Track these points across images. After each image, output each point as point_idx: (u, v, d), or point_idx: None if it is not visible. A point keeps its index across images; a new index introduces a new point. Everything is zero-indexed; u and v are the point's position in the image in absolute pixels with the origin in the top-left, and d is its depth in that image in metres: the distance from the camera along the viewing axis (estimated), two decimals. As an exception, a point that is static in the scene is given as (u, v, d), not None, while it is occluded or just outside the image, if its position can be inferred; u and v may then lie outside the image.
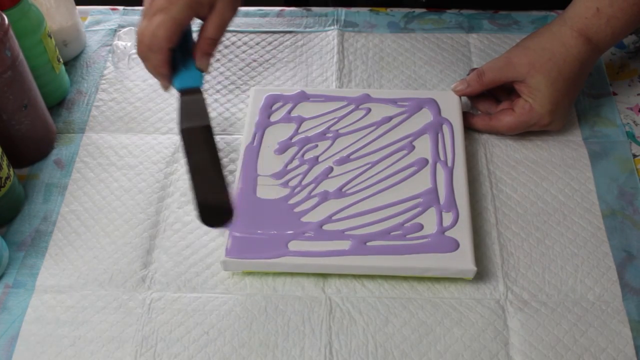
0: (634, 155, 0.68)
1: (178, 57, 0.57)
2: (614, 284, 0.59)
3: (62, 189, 0.67)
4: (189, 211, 0.65)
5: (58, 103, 0.75)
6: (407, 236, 0.59)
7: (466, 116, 0.69)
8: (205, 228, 0.64)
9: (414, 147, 0.66)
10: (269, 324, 0.58)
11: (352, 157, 0.66)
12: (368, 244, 0.59)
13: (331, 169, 0.65)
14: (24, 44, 0.65)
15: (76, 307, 0.59)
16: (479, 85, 0.69)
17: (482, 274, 0.60)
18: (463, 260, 0.58)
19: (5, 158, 0.62)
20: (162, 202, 0.66)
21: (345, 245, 0.59)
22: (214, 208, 0.53)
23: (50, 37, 0.70)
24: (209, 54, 0.58)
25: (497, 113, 0.69)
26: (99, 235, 0.64)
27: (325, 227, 0.60)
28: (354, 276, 0.60)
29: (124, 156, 0.70)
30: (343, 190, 0.63)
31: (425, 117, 0.68)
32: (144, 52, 0.56)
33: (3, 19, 0.60)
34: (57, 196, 0.67)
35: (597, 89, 0.74)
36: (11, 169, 0.63)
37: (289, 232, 0.60)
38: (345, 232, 0.60)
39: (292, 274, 0.60)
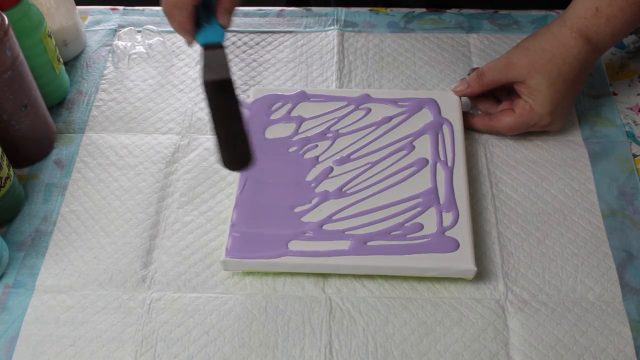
0: (634, 155, 0.68)
1: (201, 15, 0.60)
2: (614, 284, 0.59)
3: (62, 189, 0.67)
4: (189, 211, 0.65)
5: (58, 103, 0.75)
6: (407, 236, 0.59)
7: (466, 116, 0.69)
8: (205, 228, 0.64)
9: (414, 147, 0.66)
10: (269, 324, 0.58)
11: (352, 157, 0.66)
12: (368, 243, 0.59)
13: (331, 169, 0.65)
14: (24, 44, 0.65)
15: (76, 307, 0.59)
16: (479, 86, 0.69)
17: (482, 274, 0.60)
18: (463, 260, 0.58)
19: (5, 158, 0.62)
20: (162, 202, 0.66)
21: (345, 245, 0.59)
22: (236, 154, 0.55)
23: (50, 37, 0.70)
24: (230, 11, 0.60)
25: (497, 113, 0.69)
26: (99, 235, 0.64)
27: (325, 227, 0.60)
28: (354, 276, 0.60)
29: (124, 156, 0.70)
30: (343, 190, 0.63)
31: (425, 117, 0.68)
32: (170, 9, 0.58)
33: (3, 19, 0.60)
34: (57, 196, 0.67)
35: (597, 89, 0.74)
36: (11, 169, 0.63)
37: (289, 232, 0.60)
38: (345, 232, 0.60)
39: (292, 274, 0.60)
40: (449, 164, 0.65)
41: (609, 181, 0.66)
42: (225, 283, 0.60)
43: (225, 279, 0.60)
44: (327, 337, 0.57)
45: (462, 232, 0.60)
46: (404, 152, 0.66)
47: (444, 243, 0.59)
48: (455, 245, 0.59)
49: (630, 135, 0.70)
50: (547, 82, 0.64)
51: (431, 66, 0.77)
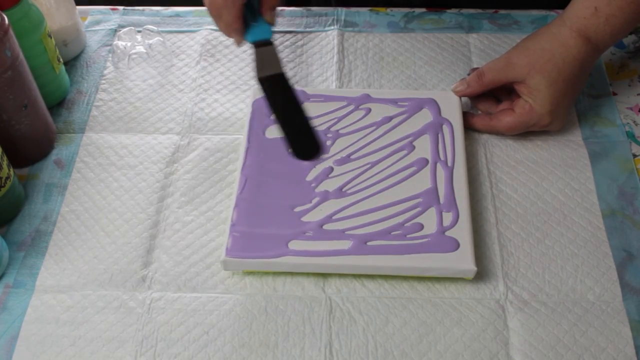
0: (634, 155, 0.68)
1: (247, 14, 0.62)
2: (614, 283, 0.59)
3: (62, 189, 0.67)
4: (189, 211, 0.65)
5: (58, 103, 0.75)
6: (407, 236, 0.59)
7: (466, 116, 0.69)
8: (205, 228, 0.64)
9: (414, 147, 0.66)
10: (269, 324, 0.58)
11: (352, 157, 0.66)
12: (368, 243, 0.59)
13: (331, 169, 0.65)
14: (24, 44, 0.65)
15: (76, 307, 0.59)
16: (479, 86, 0.69)
17: (482, 274, 0.60)
18: (463, 260, 0.58)
19: (5, 158, 0.62)
20: (162, 202, 0.66)
21: (345, 245, 0.59)
22: (305, 143, 0.57)
23: (50, 37, 0.70)
24: (275, 7, 0.63)
25: (497, 113, 0.69)
26: (99, 235, 0.64)
27: (325, 227, 0.60)
28: (354, 276, 0.60)
29: (124, 156, 0.70)
30: (343, 190, 0.63)
31: (425, 117, 0.68)
32: (218, 10, 0.61)
33: (3, 19, 0.60)
34: (57, 196, 0.67)
35: (597, 89, 0.74)
36: (11, 169, 0.63)
37: (289, 231, 0.60)
38: (346, 232, 0.60)
39: (292, 274, 0.60)
40: (449, 163, 0.65)
41: (609, 181, 0.66)
42: (225, 283, 0.60)
43: (225, 279, 0.60)
44: (327, 337, 0.57)
45: (462, 232, 0.60)
46: (404, 152, 0.66)
47: (444, 243, 0.59)
48: (456, 245, 0.59)
49: (630, 135, 0.70)
50: (547, 81, 0.64)
51: (431, 66, 0.77)
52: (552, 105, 0.65)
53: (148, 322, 0.58)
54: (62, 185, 0.67)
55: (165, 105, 0.74)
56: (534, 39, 0.67)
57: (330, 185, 0.63)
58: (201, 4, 0.86)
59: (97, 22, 0.83)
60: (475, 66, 0.76)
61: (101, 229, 0.64)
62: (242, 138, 0.69)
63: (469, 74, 0.71)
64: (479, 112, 0.71)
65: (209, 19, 0.82)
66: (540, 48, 0.65)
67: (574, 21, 0.65)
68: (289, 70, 0.77)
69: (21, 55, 0.63)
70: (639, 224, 0.63)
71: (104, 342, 0.57)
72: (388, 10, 0.83)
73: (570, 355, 0.55)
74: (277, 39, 0.80)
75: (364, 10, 0.83)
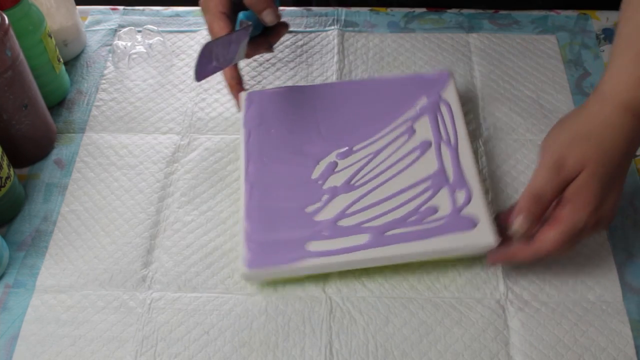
0: (634, 155, 0.68)
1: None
2: (614, 283, 0.59)
3: (63, 188, 0.67)
4: (190, 211, 0.65)
5: (58, 103, 0.75)
6: (424, 220, 0.59)
7: (498, 252, 0.58)
8: (205, 227, 0.64)
9: (414, 131, 0.65)
10: (269, 324, 0.58)
11: (354, 149, 0.65)
12: (386, 234, 0.58)
13: (335, 164, 0.64)
14: (24, 44, 0.65)
15: (76, 307, 0.59)
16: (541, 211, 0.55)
17: (482, 273, 0.60)
18: (484, 236, 0.57)
19: (5, 158, 0.62)
20: (163, 201, 0.66)
21: (363, 238, 0.58)
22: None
23: (51, 37, 0.70)
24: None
25: (537, 234, 0.56)
26: (99, 235, 0.64)
27: (340, 223, 0.60)
28: (355, 276, 0.60)
29: (124, 156, 0.70)
30: (351, 183, 0.63)
31: (419, 97, 0.68)
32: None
33: (3, 19, 0.60)
34: (58, 196, 0.67)
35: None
36: (11, 169, 0.63)
37: (305, 233, 0.59)
38: (362, 225, 0.59)
39: (292, 274, 0.60)
40: (452, 142, 0.64)
41: (609, 181, 0.66)
42: (225, 283, 0.60)
43: (225, 279, 0.60)
44: (327, 337, 0.57)
45: (478, 208, 0.59)
46: (405, 137, 0.65)
47: (462, 222, 0.58)
48: (473, 223, 0.58)
49: (631, 135, 0.70)
50: (595, 176, 0.54)
51: (431, 66, 0.77)
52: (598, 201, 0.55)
53: (148, 322, 0.58)
54: (62, 185, 0.67)
55: (165, 105, 0.74)
56: (573, 124, 0.57)
57: (337, 180, 0.63)
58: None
59: (97, 22, 0.84)
60: (475, 66, 0.76)
61: (101, 229, 0.64)
62: (242, 138, 0.69)
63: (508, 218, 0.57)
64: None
65: (209, 19, 0.82)
66: (586, 133, 0.55)
67: (615, 95, 0.55)
68: (289, 70, 0.77)
69: (21, 55, 0.63)
70: (639, 224, 0.63)
71: (104, 342, 0.57)
72: (388, 10, 0.83)
73: (570, 355, 0.55)
74: (277, 39, 0.80)
75: (364, 10, 0.83)
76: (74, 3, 0.77)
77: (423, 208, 0.60)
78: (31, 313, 0.59)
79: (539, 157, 0.58)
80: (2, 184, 0.61)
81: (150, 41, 0.79)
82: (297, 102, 0.69)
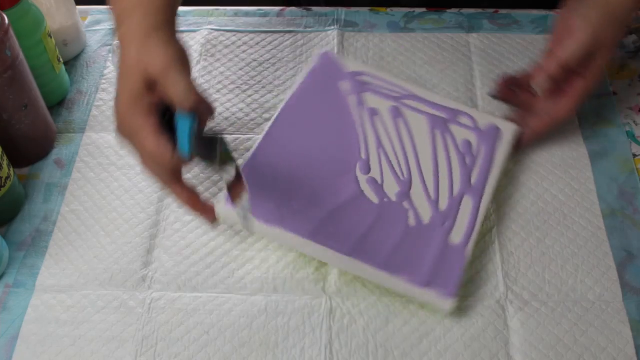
0: (634, 155, 0.68)
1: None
2: (614, 283, 0.59)
3: (63, 188, 0.67)
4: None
5: (58, 103, 0.75)
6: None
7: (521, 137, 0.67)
8: (205, 227, 0.64)
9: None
10: (269, 324, 0.58)
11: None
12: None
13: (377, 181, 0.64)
14: (24, 44, 0.65)
15: (76, 307, 0.59)
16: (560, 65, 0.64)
17: (482, 273, 0.60)
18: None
19: (5, 158, 0.62)
20: (163, 201, 0.66)
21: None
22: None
23: (51, 37, 0.70)
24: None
25: (555, 100, 0.66)
26: (99, 234, 0.64)
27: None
28: (355, 276, 0.60)
29: (124, 156, 0.70)
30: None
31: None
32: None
33: (3, 19, 0.60)
34: (58, 196, 0.67)
35: (597, 89, 0.74)
36: (11, 169, 0.63)
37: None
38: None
39: (293, 273, 0.60)
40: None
41: (609, 181, 0.66)
42: (225, 283, 0.60)
43: (225, 279, 0.60)
44: (327, 337, 0.57)
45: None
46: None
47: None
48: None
49: (631, 135, 0.70)
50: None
51: (431, 66, 0.77)
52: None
53: (148, 321, 0.58)
54: (62, 185, 0.67)
55: (165, 105, 0.74)
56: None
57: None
58: (201, 4, 0.87)
59: (97, 22, 0.84)
60: (475, 66, 0.76)
61: (101, 229, 0.64)
62: (242, 138, 0.69)
63: (500, 84, 0.69)
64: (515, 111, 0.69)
65: (209, 19, 0.83)
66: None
67: None
68: (289, 70, 0.77)
69: (21, 55, 0.63)
70: (639, 224, 0.63)
71: (104, 341, 0.57)
72: (388, 10, 0.83)
73: (570, 355, 0.55)
74: (277, 39, 0.80)
75: (364, 10, 0.83)
76: (74, 3, 0.77)
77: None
78: (31, 313, 0.59)
79: (559, 29, 0.65)
80: (2, 184, 0.61)
81: (150, 41, 0.79)
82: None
